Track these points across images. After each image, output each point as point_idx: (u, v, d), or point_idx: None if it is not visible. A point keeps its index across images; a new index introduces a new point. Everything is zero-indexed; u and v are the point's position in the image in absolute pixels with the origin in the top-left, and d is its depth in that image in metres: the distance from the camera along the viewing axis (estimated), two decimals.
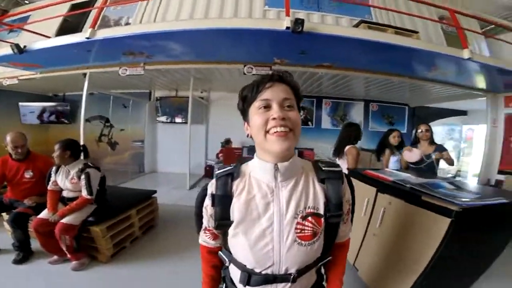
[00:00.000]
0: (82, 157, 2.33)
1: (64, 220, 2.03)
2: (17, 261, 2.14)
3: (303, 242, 0.67)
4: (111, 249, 2.27)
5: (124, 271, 2.16)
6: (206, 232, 0.81)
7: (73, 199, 2.15)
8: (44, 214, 2.09)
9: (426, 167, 2.68)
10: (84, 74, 4.01)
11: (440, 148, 2.73)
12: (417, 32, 3.14)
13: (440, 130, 7.69)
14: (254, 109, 0.68)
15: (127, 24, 3.26)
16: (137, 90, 6.33)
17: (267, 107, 0.66)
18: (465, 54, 2.88)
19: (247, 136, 0.74)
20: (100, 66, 3.93)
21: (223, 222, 0.70)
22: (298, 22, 2.41)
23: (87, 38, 2.77)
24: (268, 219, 0.67)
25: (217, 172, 0.75)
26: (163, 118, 6.55)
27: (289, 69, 3.65)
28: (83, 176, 2.12)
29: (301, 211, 0.67)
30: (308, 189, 0.71)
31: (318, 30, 2.57)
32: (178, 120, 6.46)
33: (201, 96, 6.33)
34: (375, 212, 1.87)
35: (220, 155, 5.14)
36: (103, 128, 6.27)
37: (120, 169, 6.08)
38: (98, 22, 2.91)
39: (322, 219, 0.69)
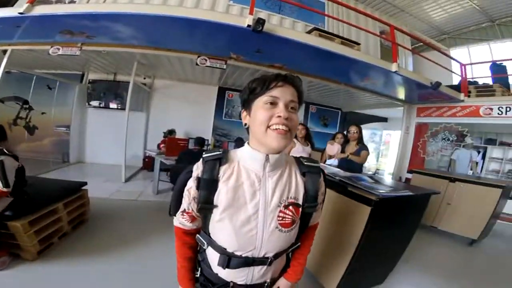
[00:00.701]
0: None
1: None
2: None
3: (283, 229, 0.74)
4: (37, 245, 2.03)
5: (53, 268, 1.98)
6: (184, 214, 0.81)
7: None
8: None
9: (347, 163, 3.08)
10: (4, 51, 3.42)
11: (361, 148, 3.15)
12: (359, 44, 3.58)
13: (365, 133, 8.84)
14: (261, 103, 0.72)
15: (71, 2, 2.86)
16: (67, 71, 5.58)
17: (274, 104, 0.70)
18: (393, 67, 3.39)
19: (244, 125, 0.79)
20: (26, 44, 3.39)
21: (206, 206, 0.73)
22: (260, 22, 2.50)
23: (20, 13, 2.39)
24: (254, 206, 0.71)
25: (204, 155, 0.76)
26: (96, 103, 5.89)
27: (243, 66, 3.76)
28: None
29: (284, 200, 0.74)
30: (291, 181, 0.77)
31: (276, 32, 2.70)
32: (113, 105, 5.89)
33: (144, 82, 5.93)
34: None
35: (162, 146, 4.88)
36: (20, 110, 5.31)
37: (39, 158, 5.25)
38: None
39: (300, 209, 0.76)
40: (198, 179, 0.74)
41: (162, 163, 4.00)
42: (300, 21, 4.22)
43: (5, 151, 1.90)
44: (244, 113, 0.78)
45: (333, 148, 3.39)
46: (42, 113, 5.49)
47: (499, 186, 3.09)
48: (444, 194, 3.40)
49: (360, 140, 3.21)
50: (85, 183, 2.84)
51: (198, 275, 0.86)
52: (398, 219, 1.78)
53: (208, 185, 0.72)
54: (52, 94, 5.49)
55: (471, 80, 5.18)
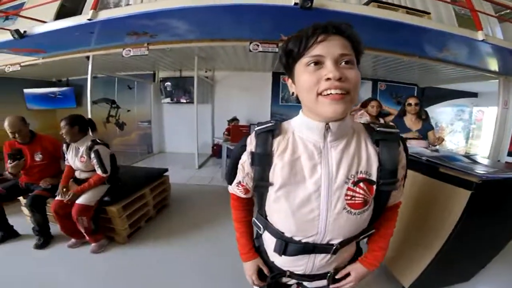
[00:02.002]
0: (90, 133, 2.27)
1: (79, 201, 2.01)
2: (39, 246, 2.15)
3: (352, 210, 0.60)
4: (128, 229, 2.28)
5: (142, 251, 2.17)
6: (239, 186, 0.76)
7: (86, 181, 2.11)
8: (61, 195, 2.07)
9: None
10: (88, 57, 3.95)
11: (427, 127, 2.66)
12: (428, 13, 3.03)
13: (449, 110, 7.57)
14: (302, 66, 0.56)
15: (128, 5, 3.15)
16: (141, 72, 6.26)
17: (319, 63, 0.54)
18: (480, 36, 2.81)
19: (292, 94, 0.64)
20: (103, 49, 3.84)
21: (261, 183, 0.64)
22: None
23: (89, 19, 2.69)
24: (315, 183, 0.59)
25: (256, 128, 0.67)
26: (168, 99, 6.49)
27: None
28: (93, 155, 2.06)
29: (352, 176, 0.60)
30: (360, 152, 0.62)
31: (328, 6, 2.45)
32: (183, 100, 6.40)
33: (206, 75, 6.24)
34: None
35: (226, 133, 5.15)
36: (110, 109, 6.32)
37: (129, 150, 6.22)
38: (98, 5, 2.81)
39: (374, 186, 0.61)
40: (252, 154, 0.65)
41: (228, 149, 4.20)
42: None
43: (98, 140, 2.15)
44: (289, 81, 0.64)
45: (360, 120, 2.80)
46: (128, 110, 6.42)
47: None
48: None
49: (420, 114, 2.69)
50: (167, 170, 3.16)
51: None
52: (506, 207, 1.40)
53: (262, 160, 0.63)
54: (132, 93, 6.35)
55: None
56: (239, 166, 0.72)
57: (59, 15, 3.60)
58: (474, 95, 6.88)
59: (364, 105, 3.14)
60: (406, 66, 4.94)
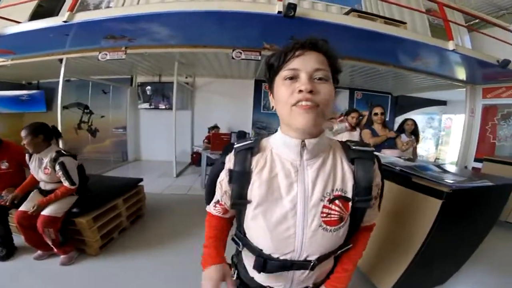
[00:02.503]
0: (55, 141, 2.12)
1: (45, 212, 1.89)
2: (1, 258, 2.01)
3: (328, 227, 0.61)
4: (99, 240, 2.18)
5: (115, 263, 2.09)
6: (217, 206, 0.76)
7: (52, 192, 1.98)
8: (25, 206, 1.94)
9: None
10: (61, 60, 3.78)
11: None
12: (404, 23, 3.22)
13: (420, 118, 8.03)
14: (280, 79, 0.60)
15: (108, 7, 3.06)
16: (118, 76, 6.04)
17: (295, 77, 0.57)
18: (450, 45, 3.01)
19: (272, 108, 0.66)
20: (78, 51, 3.70)
21: (239, 201, 0.64)
22: (291, 6, 2.36)
23: (65, 21, 2.58)
24: (291, 200, 0.60)
25: (236, 145, 0.67)
26: (146, 105, 6.30)
27: None
28: (58, 167, 1.91)
29: (328, 193, 0.61)
30: (336, 170, 0.63)
31: (310, 15, 2.54)
32: (161, 106, 6.25)
33: (186, 81, 6.15)
34: None
35: (205, 141, 5.06)
36: (82, 115, 6.00)
37: (102, 158, 5.89)
38: (76, 7, 2.71)
39: (350, 203, 0.62)
40: (230, 172, 0.65)
41: (208, 158, 4.12)
42: (333, 4, 3.89)
43: (63, 151, 2.01)
44: (270, 96, 0.66)
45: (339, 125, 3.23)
46: (102, 116, 6.13)
47: None
48: None
49: (385, 122, 2.90)
50: (141, 180, 3.04)
51: (234, 278, 0.77)
52: (474, 214, 1.52)
53: (241, 178, 0.63)
54: (107, 98, 6.08)
55: None
56: (217, 184, 0.73)
57: (35, 15, 3.43)
58: (443, 103, 7.38)
59: (347, 113, 3.42)
60: (381, 75, 5.18)
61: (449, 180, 1.38)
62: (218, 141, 4.09)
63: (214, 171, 0.75)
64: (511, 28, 3.83)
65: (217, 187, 0.73)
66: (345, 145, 0.67)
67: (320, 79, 0.57)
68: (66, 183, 1.97)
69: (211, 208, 0.79)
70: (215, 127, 5.39)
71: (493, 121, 4.57)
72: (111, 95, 6.06)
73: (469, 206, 1.45)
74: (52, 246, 1.95)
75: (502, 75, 3.89)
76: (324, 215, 0.60)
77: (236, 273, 0.78)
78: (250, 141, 0.67)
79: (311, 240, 0.61)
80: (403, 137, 3.00)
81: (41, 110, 5.97)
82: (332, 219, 0.61)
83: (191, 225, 2.73)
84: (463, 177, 1.51)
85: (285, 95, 0.57)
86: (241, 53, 3.41)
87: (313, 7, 3.65)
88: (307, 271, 0.65)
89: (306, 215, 0.60)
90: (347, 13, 3.08)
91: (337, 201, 0.61)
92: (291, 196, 0.60)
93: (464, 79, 4.51)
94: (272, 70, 0.63)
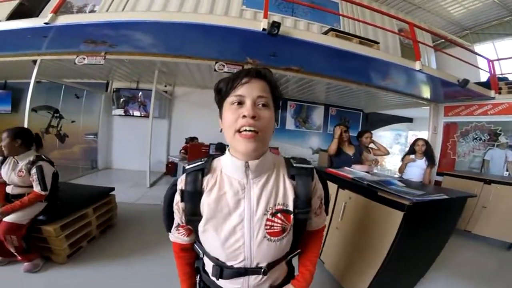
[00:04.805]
0: (34, 148, 2.08)
1: (8, 219, 1.80)
2: None
3: (272, 238, 0.68)
4: (67, 249, 2.10)
5: (82, 272, 2.02)
6: (179, 229, 0.79)
7: (19, 196, 1.91)
8: None
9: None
10: (34, 61, 3.61)
11: (360, 149, 3.00)
12: (378, 43, 3.47)
13: (388, 134, 8.56)
14: (227, 104, 0.66)
15: (92, 11, 3.00)
16: (93, 80, 5.86)
17: (241, 103, 0.64)
18: (417, 65, 3.26)
19: (220, 131, 0.72)
20: (55, 54, 3.57)
21: (193, 218, 0.70)
22: (275, 25, 2.49)
23: (46, 23, 2.51)
24: (239, 215, 0.68)
25: (187, 167, 0.73)
26: (120, 111, 6.10)
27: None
28: (34, 170, 1.89)
29: (270, 208, 0.68)
30: (278, 186, 0.71)
31: (292, 34, 2.68)
32: (137, 113, 6.09)
33: (165, 90, 6.08)
34: (336, 207, 2.04)
35: (182, 151, 4.98)
36: (51, 119, 5.68)
37: (69, 164, 5.54)
38: (60, 8, 2.65)
39: (291, 216, 0.70)
40: (182, 192, 0.71)
41: (184, 169, 4.04)
42: (314, 22, 4.14)
43: (43, 157, 2.02)
44: (219, 119, 0.72)
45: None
46: (72, 121, 5.84)
47: None
48: (479, 197, 3.19)
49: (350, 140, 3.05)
50: (113, 189, 2.94)
51: (197, 281, 0.85)
52: (433, 224, 1.69)
53: (192, 197, 0.69)
54: (80, 103, 5.81)
55: (500, 76, 4.83)
56: (174, 207, 0.76)
57: (15, 14, 3.28)
58: (410, 120, 7.96)
59: (360, 135, 3.36)
60: (354, 93, 5.49)
61: (409, 194, 1.53)
62: (197, 151, 4.07)
63: (168, 196, 0.80)
64: (472, 48, 4.25)
65: (174, 210, 0.77)
66: (288, 162, 0.76)
67: (263, 105, 0.65)
68: (37, 188, 1.91)
69: (174, 236, 0.83)
70: (194, 139, 5.34)
71: (454, 138, 4.97)
72: (84, 100, 5.81)
73: (428, 216, 1.62)
74: (15, 253, 1.86)
75: (461, 94, 4.22)
76: (268, 227, 0.68)
77: (199, 277, 0.84)
78: (200, 162, 0.73)
79: (258, 249, 0.69)
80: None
81: (6, 111, 5.64)
82: (275, 230, 0.69)
83: (163, 235, 2.64)
84: (422, 191, 1.67)
85: (230, 119, 0.64)
86: (224, 65, 3.48)
87: (295, 25, 3.87)
88: (261, 276, 0.72)
89: (253, 228, 0.68)
90: (325, 33, 3.28)
91: (279, 214, 0.69)
92: (239, 212, 0.68)
93: (429, 97, 4.86)
94: (220, 95, 0.69)
